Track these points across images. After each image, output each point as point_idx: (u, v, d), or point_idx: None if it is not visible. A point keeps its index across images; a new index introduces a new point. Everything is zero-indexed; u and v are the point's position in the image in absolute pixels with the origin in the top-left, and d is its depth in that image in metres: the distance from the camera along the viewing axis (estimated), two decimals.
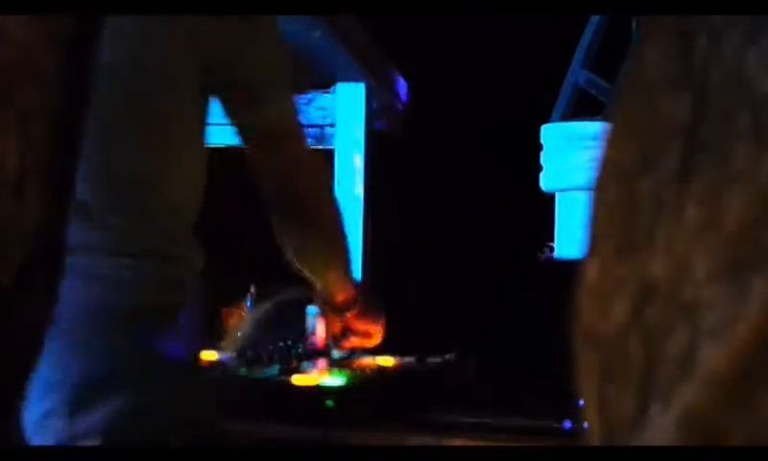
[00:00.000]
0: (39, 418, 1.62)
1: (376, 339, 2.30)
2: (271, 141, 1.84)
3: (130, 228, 1.67)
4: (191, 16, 1.67)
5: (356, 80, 3.13)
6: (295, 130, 1.87)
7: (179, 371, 1.73)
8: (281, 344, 2.38)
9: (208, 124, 1.81)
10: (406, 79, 3.26)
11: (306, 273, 2.09)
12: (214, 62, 1.72)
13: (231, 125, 1.84)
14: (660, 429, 0.45)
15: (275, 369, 2.28)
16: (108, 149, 1.67)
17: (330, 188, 2.03)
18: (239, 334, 2.55)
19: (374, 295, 2.28)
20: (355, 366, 2.34)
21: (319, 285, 2.15)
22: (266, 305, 2.59)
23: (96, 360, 1.65)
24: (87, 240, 1.65)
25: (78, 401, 1.64)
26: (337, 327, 2.26)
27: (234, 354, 2.38)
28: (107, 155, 1.67)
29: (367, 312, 2.24)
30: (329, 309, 2.22)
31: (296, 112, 1.87)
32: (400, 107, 3.26)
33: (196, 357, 1.78)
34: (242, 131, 1.84)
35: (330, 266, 2.11)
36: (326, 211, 1.99)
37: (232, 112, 1.82)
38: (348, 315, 2.23)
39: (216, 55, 1.72)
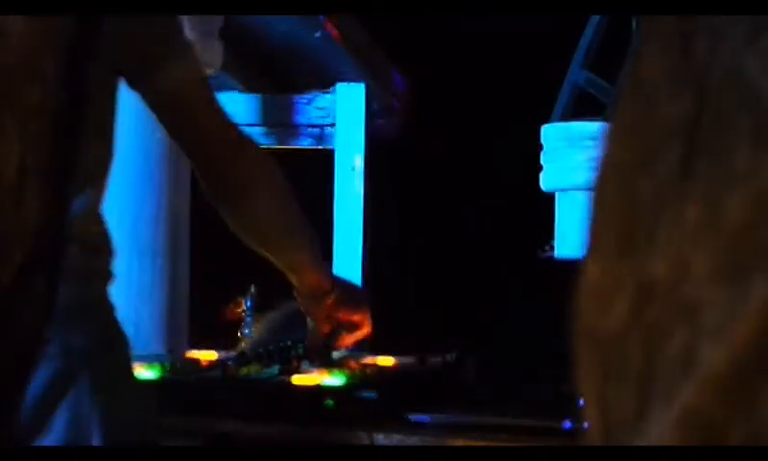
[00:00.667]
0: None
1: (366, 329, 2.25)
2: (171, 110, 1.80)
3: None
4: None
5: (356, 80, 3.13)
6: (194, 98, 1.81)
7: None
8: (281, 344, 2.38)
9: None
10: (406, 78, 3.26)
11: (260, 252, 2.00)
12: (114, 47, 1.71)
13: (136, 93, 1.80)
14: (660, 429, 0.45)
15: (275, 369, 2.28)
16: None
17: (259, 161, 1.93)
18: (246, 331, 2.55)
19: (353, 284, 2.23)
20: (355, 366, 2.34)
21: (282, 267, 2.04)
22: (277, 312, 2.59)
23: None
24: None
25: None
26: (323, 321, 2.19)
27: (235, 355, 2.38)
28: None
29: (347, 300, 2.16)
30: (306, 301, 2.12)
31: (194, 80, 1.81)
32: (400, 107, 3.26)
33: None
34: (145, 101, 1.80)
35: (284, 248, 2.02)
36: (256, 184, 1.90)
37: (132, 84, 1.78)
38: (328, 303, 2.13)
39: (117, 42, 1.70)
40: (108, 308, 1.76)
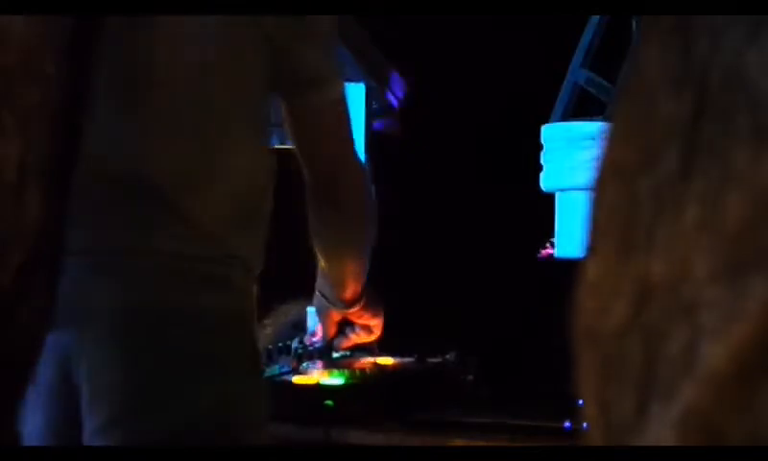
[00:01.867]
0: (98, 427, 1.60)
1: (376, 334, 2.28)
2: (302, 130, 1.86)
3: (168, 228, 1.65)
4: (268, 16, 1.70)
5: (356, 80, 3.13)
6: (339, 119, 1.88)
7: (232, 371, 1.70)
8: (281, 344, 2.38)
9: (269, 124, 1.84)
10: (406, 79, 3.26)
11: (324, 259, 2.05)
12: (276, 54, 1.74)
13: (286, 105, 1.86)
14: (660, 429, 0.45)
15: (275, 369, 2.28)
16: (146, 149, 1.66)
17: (368, 187, 2.02)
18: (268, 331, 2.55)
19: (373, 291, 2.27)
20: (355, 366, 2.34)
21: (332, 277, 2.11)
22: (293, 308, 2.59)
23: (152, 364, 1.63)
24: (123, 240, 1.64)
25: (139, 408, 1.62)
26: (332, 324, 2.23)
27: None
28: (143, 154, 1.66)
29: (368, 307, 2.22)
30: (333, 304, 2.18)
31: (331, 109, 1.87)
32: (400, 107, 3.26)
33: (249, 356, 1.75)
34: (292, 111, 1.85)
35: (352, 258, 2.09)
36: (362, 202, 1.98)
37: (289, 95, 1.84)
38: (352, 311, 2.20)
39: (278, 48, 1.74)
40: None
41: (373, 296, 2.25)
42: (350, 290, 2.14)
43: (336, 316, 2.21)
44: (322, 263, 2.08)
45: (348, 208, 1.96)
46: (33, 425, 1.60)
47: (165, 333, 1.63)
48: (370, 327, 2.25)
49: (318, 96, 1.84)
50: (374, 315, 2.25)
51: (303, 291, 2.32)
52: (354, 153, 1.95)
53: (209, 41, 1.67)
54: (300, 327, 2.50)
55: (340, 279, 2.12)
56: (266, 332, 2.50)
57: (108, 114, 1.64)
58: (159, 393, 1.61)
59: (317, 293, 2.17)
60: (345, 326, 2.25)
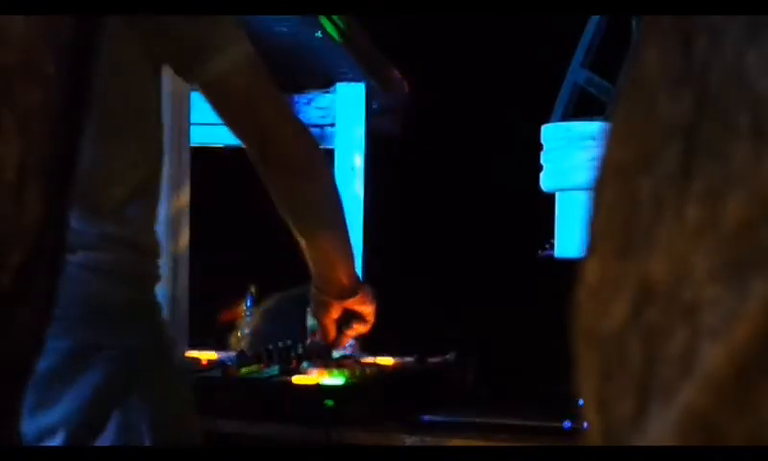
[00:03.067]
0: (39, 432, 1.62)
1: (370, 322, 2.25)
2: (221, 100, 1.81)
3: (85, 224, 1.65)
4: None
5: (356, 80, 3.13)
6: (243, 88, 1.82)
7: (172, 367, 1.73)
8: (281, 344, 2.38)
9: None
10: (406, 79, 3.26)
11: (301, 238, 2.00)
12: (158, 41, 1.72)
13: (189, 83, 1.82)
14: (660, 429, 0.45)
15: (275, 369, 2.28)
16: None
17: (315, 144, 1.95)
18: (246, 330, 2.55)
19: (365, 284, 2.23)
20: (355, 366, 2.34)
21: (318, 260, 2.05)
22: (270, 300, 2.59)
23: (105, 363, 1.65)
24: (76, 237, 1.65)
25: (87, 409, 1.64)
26: (331, 325, 2.20)
27: (239, 352, 2.38)
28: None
29: (366, 293, 2.18)
30: (331, 294, 2.12)
31: (241, 71, 1.81)
32: (400, 107, 3.26)
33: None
34: (198, 88, 1.82)
35: (324, 225, 2.03)
36: (307, 157, 1.92)
37: (183, 73, 1.80)
38: (352, 300, 2.15)
39: (161, 36, 1.71)
40: (158, 310, 1.78)
41: (366, 288, 2.21)
42: (343, 271, 2.09)
43: (336, 312, 2.17)
44: (307, 255, 2.03)
45: (294, 167, 1.89)
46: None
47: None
48: (364, 316, 2.21)
49: (209, 67, 1.77)
50: (372, 301, 2.21)
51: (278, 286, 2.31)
52: (283, 114, 1.88)
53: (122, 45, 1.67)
54: (278, 319, 2.50)
55: (327, 259, 2.05)
56: (245, 337, 2.50)
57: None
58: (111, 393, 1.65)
59: (312, 290, 2.13)
60: (341, 323, 2.22)
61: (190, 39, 1.74)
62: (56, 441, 1.62)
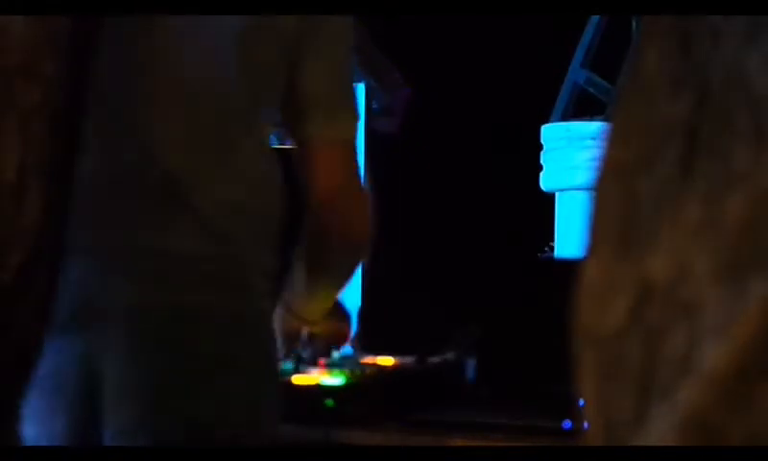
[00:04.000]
0: (121, 428, 1.60)
1: (343, 340, 2.24)
2: (317, 164, 1.80)
3: (182, 226, 1.64)
4: (282, 18, 1.67)
5: (356, 80, 3.12)
6: (344, 159, 1.82)
7: (249, 370, 1.70)
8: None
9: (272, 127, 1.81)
10: (406, 79, 3.26)
11: (306, 276, 2.00)
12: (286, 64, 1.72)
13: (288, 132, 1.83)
14: (661, 429, 0.45)
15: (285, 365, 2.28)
16: (160, 147, 1.66)
17: (368, 220, 1.95)
18: None
19: (339, 304, 2.19)
20: (355, 366, 2.34)
21: (306, 294, 2.03)
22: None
23: (170, 364, 1.63)
24: (138, 238, 1.63)
25: (158, 409, 1.62)
26: (295, 332, 2.18)
27: None
28: (157, 152, 1.65)
29: (330, 320, 2.14)
30: (296, 316, 2.10)
31: (349, 143, 1.82)
32: (400, 107, 3.26)
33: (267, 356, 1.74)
34: (296, 142, 1.81)
35: (336, 285, 2.02)
36: (361, 235, 1.91)
37: (289, 122, 1.80)
38: (313, 325, 2.12)
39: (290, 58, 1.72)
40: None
41: (339, 309, 2.18)
42: (318, 310, 2.07)
43: (296, 325, 2.15)
44: (297, 273, 2.02)
45: (345, 244, 1.90)
46: (56, 428, 1.60)
47: (181, 333, 1.63)
48: (335, 335, 2.19)
49: (324, 129, 1.77)
50: (338, 329, 2.19)
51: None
52: (359, 186, 1.88)
53: (225, 42, 1.67)
54: None
55: (313, 298, 2.05)
56: None
57: (120, 113, 1.64)
58: (178, 394, 1.62)
59: (283, 300, 2.10)
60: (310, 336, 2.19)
61: (320, 91, 1.75)
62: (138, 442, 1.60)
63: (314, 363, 2.30)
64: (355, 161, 1.85)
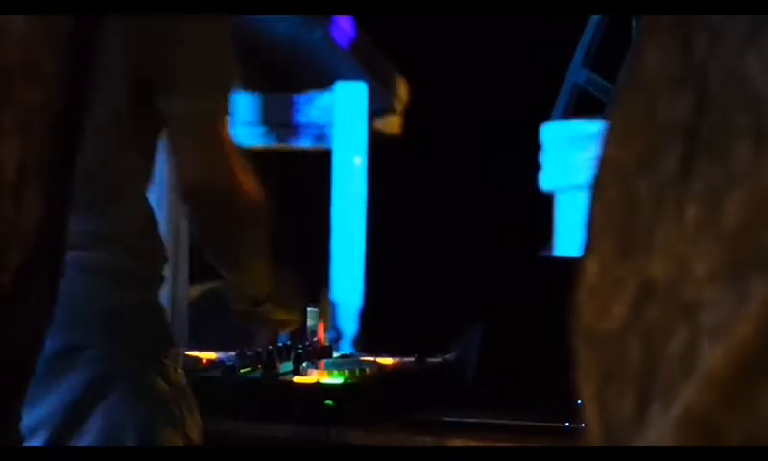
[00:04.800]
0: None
1: (293, 325, 2.22)
2: (171, 137, 1.79)
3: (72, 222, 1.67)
4: (127, 34, 1.67)
5: (356, 80, 3.13)
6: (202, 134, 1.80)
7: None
8: (281, 344, 2.38)
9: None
10: (406, 79, 3.26)
11: (220, 262, 1.98)
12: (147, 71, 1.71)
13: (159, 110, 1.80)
14: (660, 429, 0.45)
15: (274, 369, 2.28)
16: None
17: (247, 211, 1.91)
18: None
19: (288, 278, 2.16)
20: (355, 366, 2.34)
21: (234, 278, 2.02)
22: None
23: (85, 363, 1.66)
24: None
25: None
26: (261, 330, 2.18)
27: (238, 352, 2.37)
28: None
29: (282, 301, 2.12)
30: (243, 304, 2.08)
31: (218, 115, 1.80)
32: (400, 107, 3.26)
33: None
34: (166, 118, 1.79)
35: (252, 258, 2.00)
36: (244, 195, 1.88)
37: (161, 103, 1.78)
38: (261, 310, 2.10)
39: (148, 64, 1.71)
40: (150, 312, 1.77)
41: (288, 285, 2.14)
42: (251, 285, 2.04)
43: (257, 325, 2.14)
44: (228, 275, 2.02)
45: (225, 220, 1.88)
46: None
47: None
48: (284, 322, 2.17)
49: (179, 104, 1.75)
50: (289, 309, 2.16)
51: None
52: (225, 165, 1.85)
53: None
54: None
55: (244, 281, 2.03)
56: None
57: None
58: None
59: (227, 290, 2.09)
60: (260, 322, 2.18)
61: (168, 69, 1.73)
62: (37, 441, 1.62)
63: (307, 358, 2.30)
64: (217, 133, 1.81)
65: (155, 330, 1.78)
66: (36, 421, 1.62)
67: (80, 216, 1.64)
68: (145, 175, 1.81)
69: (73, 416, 1.65)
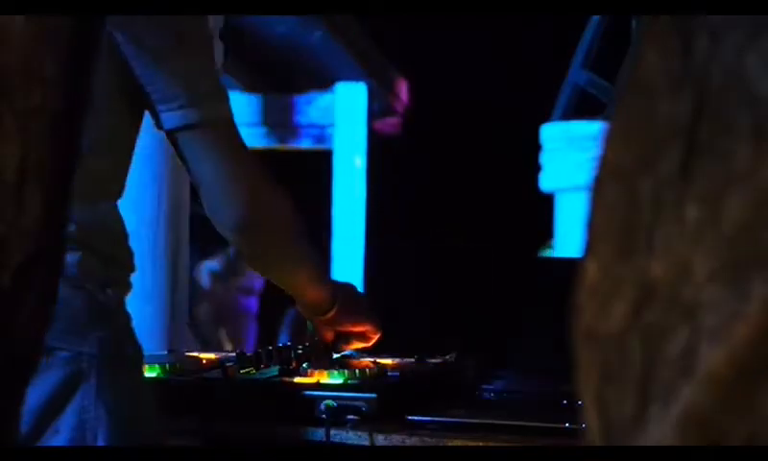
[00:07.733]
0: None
1: (371, 340, 2.27)
2: (178, 150, 1.79)
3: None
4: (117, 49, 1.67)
5: (356, 80, 3.13)
6: (223, 136, 1.79)
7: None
8: (281, 345, 2.38)
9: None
10: (406, 79, 3.26)
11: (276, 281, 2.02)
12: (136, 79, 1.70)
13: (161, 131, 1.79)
14: (660, 429, 0.45)
15: (274, 369, 2.28)
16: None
17: (280, 195, 1.90)
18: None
19: (356, 296, 2.22)
20: (355, 366, 2.34)
21: (288, 290, 2.06)
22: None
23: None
24: None
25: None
26: (323, 329, 2.22)
27: (238, 352, 2.38)
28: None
29: (348, 314, 2.17)
30: (304, 313, 2.15)
31: (223, 119, 1.78)
32: (400, 107, 3.26)
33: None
34: (169, 137, 1.77)
35: (285, 278, 2.02)
36: (276, 215, 1.88)
37: (158, 121, 1.77)
38: (329, 317, 2.16)
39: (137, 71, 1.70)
40: (121, 317, 1.78)
41: (353, 302, 2.20)
42: (306, 301, 2.09)
43: (320, 324, 2.19)
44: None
45: (269, 230, 1.88)
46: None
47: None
48: (358, 333, 2.23)
49: (178, 117, 1.73)
50: (358, 321, 2.22)
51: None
52: (239, 173, 1.82)
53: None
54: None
55: (293, 292, 2.07)
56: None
57: None
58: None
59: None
60: (340, 337, 2.24)
61: (178, 87, 1.72)
62: None
63: (307, 359, 2.31)
64: (226, 142, 1.80)
65: (122, 332, 1.79)
66: None
67: None
68: (116, 181, 1.81)
69: (46, 416, 1.67)
